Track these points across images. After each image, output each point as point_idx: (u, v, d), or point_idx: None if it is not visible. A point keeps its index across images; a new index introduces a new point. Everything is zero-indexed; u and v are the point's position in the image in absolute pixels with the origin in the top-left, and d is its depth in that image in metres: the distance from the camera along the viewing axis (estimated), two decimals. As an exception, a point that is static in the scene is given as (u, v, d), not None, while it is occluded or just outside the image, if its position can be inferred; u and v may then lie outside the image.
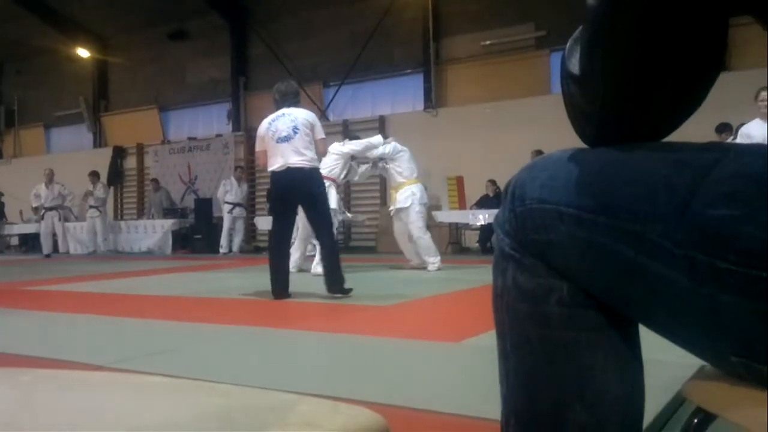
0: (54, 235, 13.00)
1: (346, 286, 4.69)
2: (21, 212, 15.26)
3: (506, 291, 0.73)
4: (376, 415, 0.64)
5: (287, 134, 4.76)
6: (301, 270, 6.78)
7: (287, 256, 4.98)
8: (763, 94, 4.98)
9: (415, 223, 6.93)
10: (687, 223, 0.55)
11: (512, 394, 0.73)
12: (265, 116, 5.04)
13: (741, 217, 0.52)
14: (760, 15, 0.64)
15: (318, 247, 5.94)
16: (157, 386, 0.82)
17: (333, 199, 6.44)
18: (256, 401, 0.64)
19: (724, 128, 7.09)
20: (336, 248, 4.92)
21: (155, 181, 14.47)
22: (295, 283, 5.00)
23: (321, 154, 5.09)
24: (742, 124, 7.19)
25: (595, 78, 0.67)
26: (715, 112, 6.80)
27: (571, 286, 0.68)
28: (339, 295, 4.62)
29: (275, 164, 4.75)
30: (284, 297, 4.66)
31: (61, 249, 13.03)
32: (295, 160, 4.69)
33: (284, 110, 4.92)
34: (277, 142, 4.77)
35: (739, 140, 4.99)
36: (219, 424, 0.55)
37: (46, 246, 12.61)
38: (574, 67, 0.69)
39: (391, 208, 7.32)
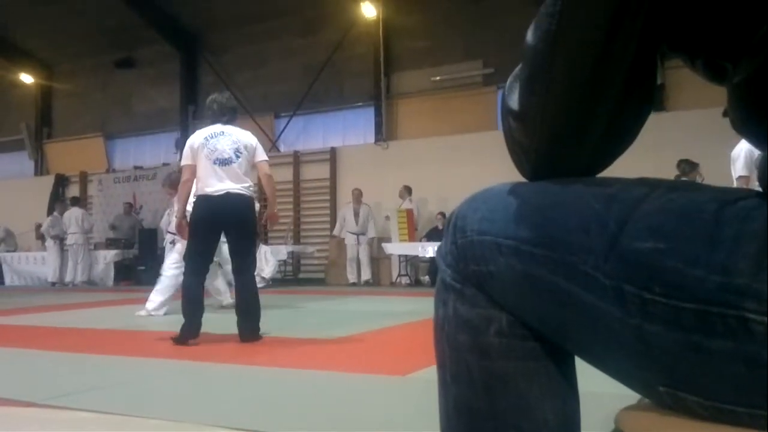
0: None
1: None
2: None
3: (447, 321, 0.73)
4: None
5: (228, 157, 4.22)
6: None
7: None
8: None
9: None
10: (616, 255, 0.57)
11: (451, 425, 0.73)
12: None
13: (665, 250, 0.54)
14: (687, 53, 0.68)
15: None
16: (88, 423, 0.80)
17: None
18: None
19: (683, 164, 7.45)
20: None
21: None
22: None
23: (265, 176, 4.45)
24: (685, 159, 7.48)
25: (533, 114, 0.69)
26: (654, 149, 7.07)
27: (510, 317, 0.68)
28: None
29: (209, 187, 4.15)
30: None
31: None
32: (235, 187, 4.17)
33: (222, 127, 4.33)
34: (214, 163, 4.18)
35: (742, 158, 4.82)
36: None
37: None
38: (514, 103, 0.71)
39: None
